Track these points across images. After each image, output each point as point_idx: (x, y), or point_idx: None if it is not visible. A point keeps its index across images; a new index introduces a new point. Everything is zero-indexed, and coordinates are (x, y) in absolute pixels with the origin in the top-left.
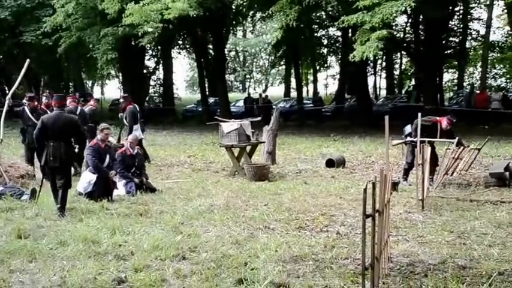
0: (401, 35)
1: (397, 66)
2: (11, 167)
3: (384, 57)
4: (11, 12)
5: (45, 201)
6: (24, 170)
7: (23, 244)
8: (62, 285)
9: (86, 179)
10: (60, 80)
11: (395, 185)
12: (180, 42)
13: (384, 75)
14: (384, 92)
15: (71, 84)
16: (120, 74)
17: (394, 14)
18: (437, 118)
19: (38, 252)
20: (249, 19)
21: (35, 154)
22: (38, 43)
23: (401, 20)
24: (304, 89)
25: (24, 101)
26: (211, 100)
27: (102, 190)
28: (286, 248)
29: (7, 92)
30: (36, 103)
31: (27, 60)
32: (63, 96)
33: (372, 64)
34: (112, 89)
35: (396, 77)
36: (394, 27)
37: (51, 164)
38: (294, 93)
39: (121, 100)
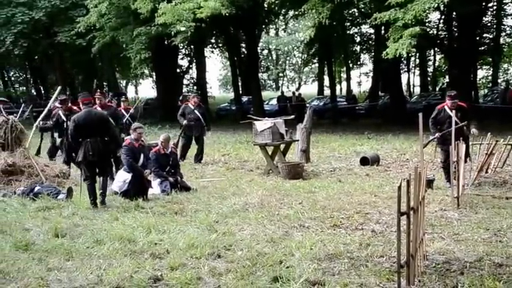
0: (435, 32)
1: (430, 63)
2: (47, 167)
3: (417, 54)
4: (45, 13)
5: (81, 200)
6: (59, 170)
7: (60, 243)
8: (98, 283)
9: (121, 178)
10: (95, 79)
11: (430, 183)
12: (213, 41)
13: (417, 72)
14: (417, 90)
15: (105, 83)
16: (154, 73)
17: (427, 11)
18: (441, 105)
19: (75, 251)
20: (281, 17)
21: (70, 153)
22: (72, 43)
23: (435, 16)
24: (338, 87)
25: (56, 104)
26: (244, 99)
27: (137, 189)
28: (321, 246)
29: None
30: (69, 105)
31: (59, 87)
32: (89, 94)
33: (405, 61)
34: (146, 89)
35: (430, 74)
36: (427, 24)
37: (91, 158)
38: (327, 91)
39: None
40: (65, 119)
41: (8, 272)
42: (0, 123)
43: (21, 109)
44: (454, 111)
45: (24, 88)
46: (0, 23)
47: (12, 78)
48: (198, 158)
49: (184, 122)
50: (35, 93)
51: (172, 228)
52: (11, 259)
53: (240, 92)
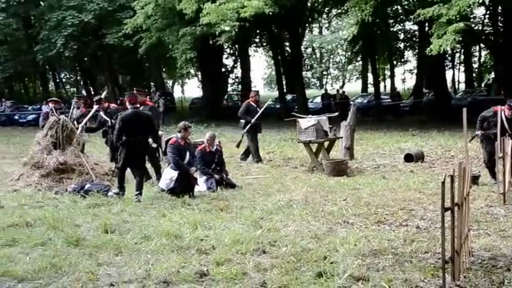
0: (480, 27)
1: (476, 59)
2: (96, 165)
3: (462, 50)
4: (94, 16)
5: (130, 198)
6: (109, 168)
7: (109, 238)
8: (146, 278)
9: (167, 175)
10: (142, 79)
11: (475, 179)
12: (257, 40)
13: (462, 68)
14: (463, 86)
15: (152, 83)
16: (199, 73)
17: (472, 6)
18: (499, 107)
19: (124, 246)
20: (324, 16)
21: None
22: (120, 45)
23: (480, 12)
24: (382, 84)
25: (95, 106)
26: (288, 97)
27: (183, 186)
28: (365, 242)
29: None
30: (106, 104)
31: (105, 91)
32: (134, 94)
33: (449, 58)
34: (192, 88)
35: (475, 70)
36: (472, 20)
37: (132, 157)
38: (371, 89)
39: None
40: (107, 118)
41: (60, 267)
42: (52, 123)
43: (71, 109)
44: (508, 120)
45: (75, 89)
46: (52, 26)
47: (64, 80)
48: (254, 157)
49: (253, 120)
50: (85, 94)
51: (218, 225)
52: (62, 254)
53: (284, 90)
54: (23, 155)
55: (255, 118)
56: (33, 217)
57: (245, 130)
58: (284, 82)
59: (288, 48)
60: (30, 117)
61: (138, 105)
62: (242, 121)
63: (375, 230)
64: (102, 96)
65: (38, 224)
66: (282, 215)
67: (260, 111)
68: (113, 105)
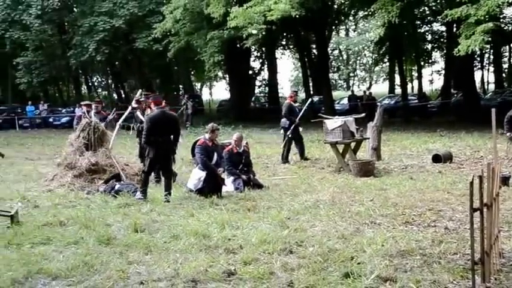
0: (510, 28)
1: (505, 59)
2: (127, 166)
3: (492, 50)
4: (124, 21)
5: (159, 198)
6: (138, 168)
7: (139, 237)
8: (175, 276)
9: (195, 176)
10: (171, 82)
11: (506, 180)
12: (284, 42)
13: (492, 69)
14: (492, 87)
15: (181, 86)
16: (227, 75)
17: (501, 6)
18: None
19: (153, 246)
20: (351, 18)
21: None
22: (150, 48)
23: (510, 11)
24: (409, 86)
25: (134, 104)
26: (315, 99)
27: (211, 186)
28: (392, 243)
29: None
30: (144, 105)
31: (140, 90)
32: (159, 96)
33: (478, 58)
34: (220, 90)
35: (505, 70)
36: (501, 20)
37: (160, 157)
38: (398, 90)
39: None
40: (143, 119)
41: (92, 265)
42: (84, 125)
43: (112, 113)
44: None
45: (106, 92)
46: (84, 31)
47: (96, 83)
48: (284, 157)
49: (297, 120)
50: (116, 97)
51: (245, 224)
52: (94, 252)
53: (311, 92)
54: (57, 156)
55: (298, 118)
56: (66, 216)
57: (290, 130)
58: (311, 84)
59: (314, 50)
60: (64, 119)
61: (164, 106)
62: (285, 121)
63: (402, 230)
64: (139, 96)
65: (71, 223)
66: (309, 215)
67: (302, 111)
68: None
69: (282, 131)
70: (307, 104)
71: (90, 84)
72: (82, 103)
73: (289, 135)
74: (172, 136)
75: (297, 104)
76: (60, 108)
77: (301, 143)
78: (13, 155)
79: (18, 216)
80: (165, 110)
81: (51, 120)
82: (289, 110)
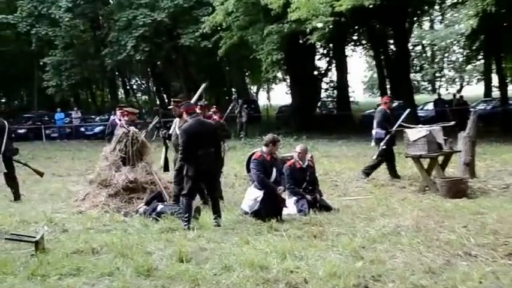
0: None
1: None
2: (170, 183)
3: None
4: (167, 14)
5: (208, 221)
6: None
7: (184, 268)
8: None
9: (251, 196)
10: (222, 85)
11: None
12: (355, 37)
13: None
14: None
15: (233, 90)
16: (288, 77)
17: None
18: None
19: (201, 278)
20: (436, 7)
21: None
22: (197, 46)
23: None
24: (510, 87)
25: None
26: (394, 104)
27: (269, 208)
28: (493, 280)
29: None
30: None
31: (203, 84)
32: (192, 103)
33: None
34: (279, 94)
35: None
36: None
37: (203, 174)
38: (496, 93)
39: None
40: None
41: None
42: (120, 136)
43: (155, 121)
44: None
45: (147, 97)
46: (121, 26)
47: (134, 87)
48: (368, 168)
49: (393, 130)
50: (157, 102)
51: (311, 254)
52: (132, 285)
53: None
54: (89, 171)
55: (394, 128)
56: (99, 243)
57: (385, 141)
58: (388, 86)
59: (392, 46)
60: (98, 129)
61: (198, 115)
62: (380, 132)
63: (504, 264)
64: (201, 102)
65: (105, 251)
66: (388, 244)
67: (400, 120)
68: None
69: (373, 142)
70: (405, 114)
71: (128, 87)
72: (118, 106)
73: (384, 147)
74: (214, 149)
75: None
76: (93, 116)
77: (392, 159)
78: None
79: (44, 242)
80: (200, 118)
81: (82, 129)
82: (384, 118)
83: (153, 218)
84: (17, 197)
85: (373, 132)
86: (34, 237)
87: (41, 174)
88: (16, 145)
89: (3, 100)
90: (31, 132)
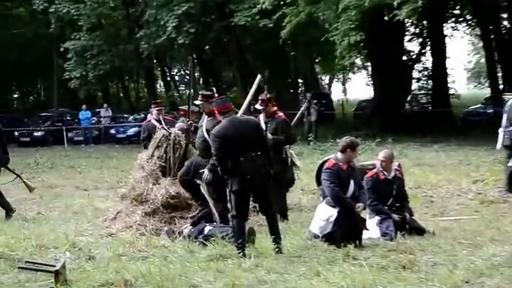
0: None
1: None
2: None
3: None
4: None
5: (267, 246)
6: None
7: None
8: None
9: (322, 215)
10: (286, 75)
11: None
12: (457, 11)
13: None
14: None
15: (300, 81)
16: (369, 64)
17: None
18: None
19: None
20: None
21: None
22: (254, 25)
23: None
24: None
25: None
26: (509, 97)
27: (346, 231)
28: None
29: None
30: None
31: (258, 76)
32: (227, 101)
33: None
34: (358, 87)
35: None
36: None
37: (253, 186)
38: None
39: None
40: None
41: None
42: (159, 140)
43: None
44: None
45: (192, 90)
46: (160, 2)
47: (176, 78)
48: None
49: None
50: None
51: None
52: None
53: (501, 86)
54: (121, 184)
55: None
56: (134, 273)
57: None
58: (500, 75)
59: (506, 23)
60: (132, 131)
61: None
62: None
63: None
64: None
65: (141, 284)
66: (500, 278)
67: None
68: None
69: (499, 144)
70: None
71: (168, 79)
72: (154, 104)
73: None
74: (260, 152)
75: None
76: (126, 115)
77: None
78: (59, 183)
79: (65, 273)
80: (235, 116)
81: (113, 131)
82: None
83: (200, 242)
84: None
85: (501, 131)
86: (54, 266)
87: (31, 189)
88: (33, 151)
89: (15, 95)
90: (50, 135)
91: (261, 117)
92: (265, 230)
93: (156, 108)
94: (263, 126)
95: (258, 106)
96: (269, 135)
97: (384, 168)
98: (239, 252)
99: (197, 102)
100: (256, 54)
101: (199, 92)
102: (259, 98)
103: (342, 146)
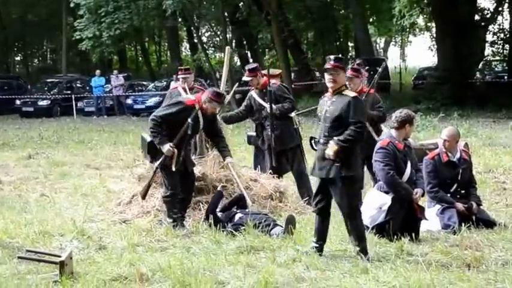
0: None
1: None
2: (255, 181)
3: None
4: None
5: (306, 237)
6: (275, 187)
7: None
8: None
9: (374, 202)
10: (333, 37)
11: None
12: None
13: None
14: None
15: (350, 44)
16: (433, 25)
17: None
18: None
19: None
20: None
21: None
22: None
23: None
24: None
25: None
26: None
27: (401, 222)
28: None
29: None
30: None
31: (227, 48)
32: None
33: None
34: (419, 52)
35: None
36: None
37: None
38: None
39: None
40: (261, 102)
41: None
42: None
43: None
44: None
45: (221, 54)
46: None
47: (204, 40)
48: None
49: None
50: (238, 63)
51: None
52: None
53: None
54: (138, 163)
55: None
56: (150, 266)
57: None
58: None
59: None
60: (152, 101)
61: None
62: None
63: None
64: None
65: (159, 278)
66: None
67: None
68: (273, 81)
69: None
70: None
71: (195, 40)
72: (180, 69)
73: None
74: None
75: None
76: (145, 82)
77: None
78: (67, 160)
79: (72, 264)
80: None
81: (130, 101)
82: None
83: (229, 231)
84: None
85: None
86: (59, 256)
87: None
88: (37, 122)
89: (17, 58)
90: (57, 105)
91: (254, 94)
92: (307, 218)
93: (183, 75)
94: (260, 102)
95: (245, 78)
96: (273, 107)
97: (447, 148)
98: (316, 250)
99: (245, 78)
100: (299, 13)
101: (246, 68)
102: (246, 67)
103: (396, 120)
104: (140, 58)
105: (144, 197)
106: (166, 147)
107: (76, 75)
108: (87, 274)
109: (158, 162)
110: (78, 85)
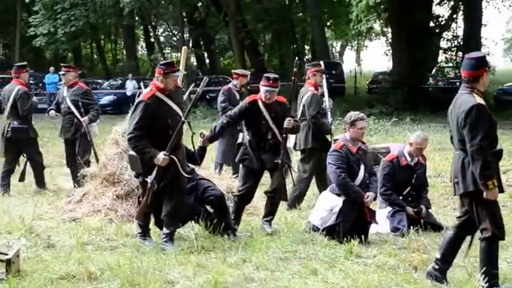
0: None
1: None
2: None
3: None
4: None
5: (257, 238)
6: (227, 188)
7: None
8: None
9: (325, 204)
10: (290, 40)
11: None
12: None
13: None
14: None
15: (306, 47)
16: (389, 30)
17: None
18: None
19: None
20: None
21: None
22: None
23: None
24: None
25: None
26: None
27: (351, 224)
28: None
29: None
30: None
31: (184, 48)
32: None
33: None
34: (374, 56)
35: None
36: None
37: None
38: None
39: None
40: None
41: None
42: None
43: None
44: None
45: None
46: None
47: (162, 39)
48: None
49: None
50: (194, 63)
51: None
52: None
53: None
54: (91, 161)
55: None
56: (99, 265)
57: None
58: None
59: None
60: (106, 99)
61: None
62: None
63: None
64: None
65: (107, 277)
66: None
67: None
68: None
69: None
70: None
71: (152, 40)
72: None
73: None
74: None
75: None
76: (100, 80)
77: None
78: None
79: (19, 262)
80: None
81: None
82: None
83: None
84: None
85: None
86: (5, 254)
87: None
88: None
89: None
90: None
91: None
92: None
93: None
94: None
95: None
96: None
97: (411, 153)
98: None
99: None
100: (256, 15)
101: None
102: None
103: (347, 122)
104: (95, 56)
105: (139, 218)
106: (161, 157)
107: (29, 71)
108: (34, 272)
109: (152, 176)
110: (31, 82)
